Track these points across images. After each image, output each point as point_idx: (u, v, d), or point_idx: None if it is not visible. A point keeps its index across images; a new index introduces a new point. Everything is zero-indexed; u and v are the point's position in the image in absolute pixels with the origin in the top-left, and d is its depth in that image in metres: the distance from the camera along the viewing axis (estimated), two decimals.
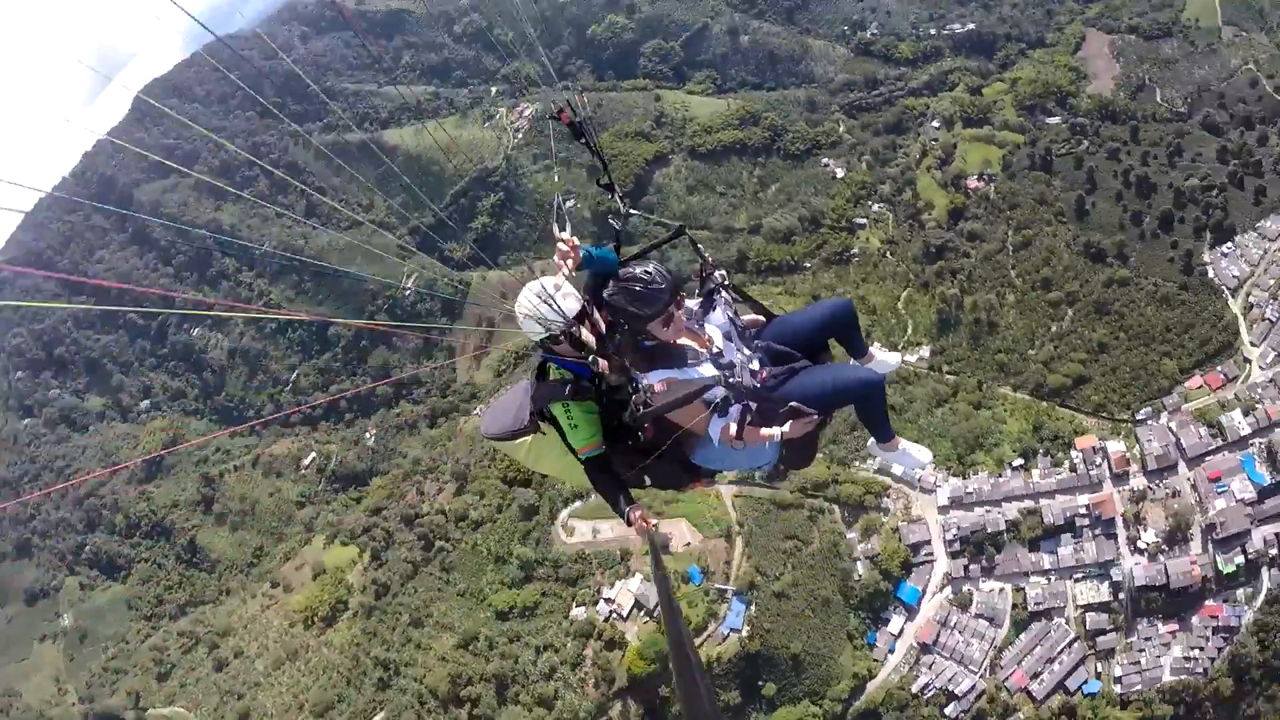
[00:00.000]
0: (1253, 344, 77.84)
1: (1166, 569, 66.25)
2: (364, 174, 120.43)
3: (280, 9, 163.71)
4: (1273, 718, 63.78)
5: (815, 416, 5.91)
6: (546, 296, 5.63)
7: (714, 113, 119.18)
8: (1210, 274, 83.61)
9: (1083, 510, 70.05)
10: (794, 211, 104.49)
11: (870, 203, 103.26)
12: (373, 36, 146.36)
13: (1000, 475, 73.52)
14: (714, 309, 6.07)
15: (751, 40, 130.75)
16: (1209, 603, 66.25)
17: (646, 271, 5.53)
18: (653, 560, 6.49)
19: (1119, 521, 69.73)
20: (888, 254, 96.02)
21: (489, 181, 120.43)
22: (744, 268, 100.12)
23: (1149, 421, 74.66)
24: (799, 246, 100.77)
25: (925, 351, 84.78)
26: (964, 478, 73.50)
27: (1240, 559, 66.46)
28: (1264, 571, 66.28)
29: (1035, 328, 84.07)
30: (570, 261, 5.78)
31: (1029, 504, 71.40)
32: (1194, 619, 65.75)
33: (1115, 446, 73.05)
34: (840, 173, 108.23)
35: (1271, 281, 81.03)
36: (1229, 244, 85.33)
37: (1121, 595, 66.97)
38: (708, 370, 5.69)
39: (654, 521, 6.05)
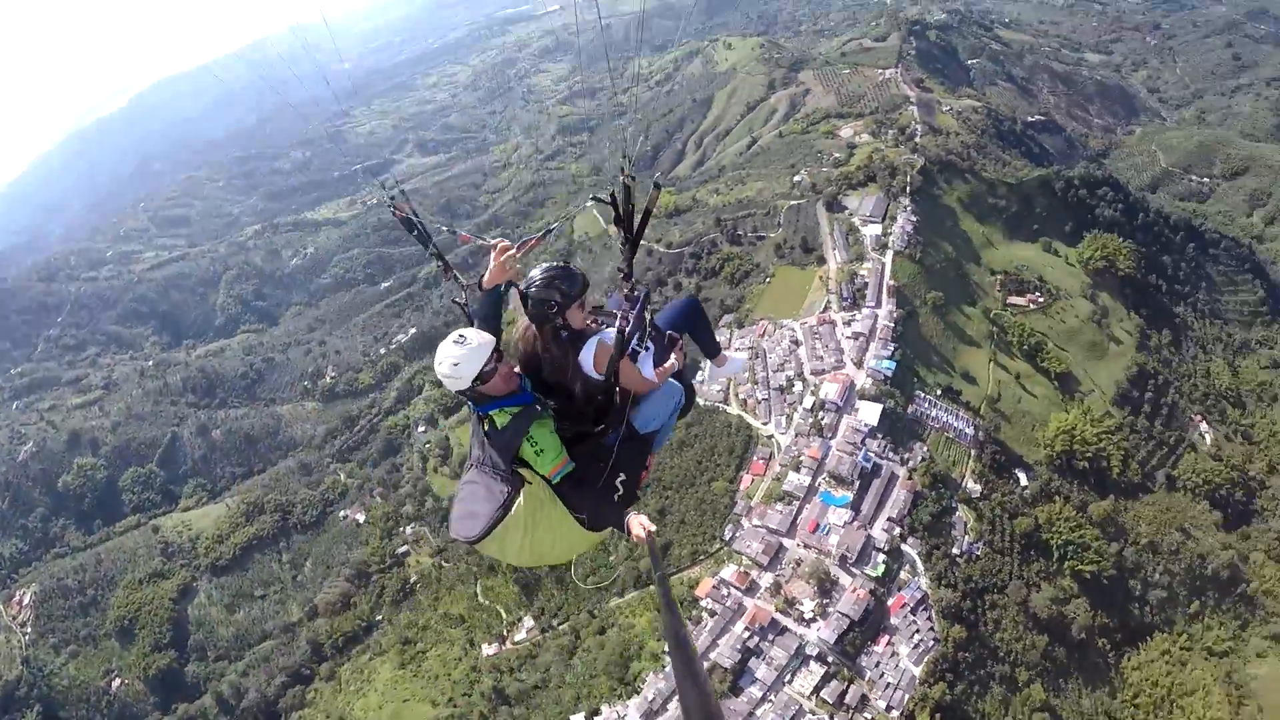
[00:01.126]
0: (764, 424, 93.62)
1: (841, 612, 74.07)
2: None
3: None
4: (1012, 607, 78.71)
5: (679, 338, 8.53)
6: (458, 338, 6.91)
7: (218, 519, 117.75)
8: (701, 401, 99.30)
9: (745, 633, 75.20)
10: (339, 575, 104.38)
11: (402, 528, 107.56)
12: None
13: (664, 665, 76.52)
14: None
15: (224, 433, 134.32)
16: (891, 601, 75.45)
17: (554, 263, 7.46)
18: (652, 560, 6.65)
19: (777, 616, 75.88)
20: (443, 564, 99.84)
21: (17, 697, 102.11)
22: (320, 655, 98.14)
23: (737, 534, 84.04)
24: (364, 606, 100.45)
25: (529, 621, 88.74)
26: (639, 692, 75.60)
27: (881, 557, 78.08)
28: (903, 547, 79.25)
29: (599, 539, 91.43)
30: (515, 250, 7.62)
31: (705, 665, 74.71)
32: (892, 620, 74.74)
33: (729, 571, 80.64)
34: (361, 517, 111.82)
35: (745, 375, 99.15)
36: (700, 371, 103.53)
37: (829, 658, 72.42)
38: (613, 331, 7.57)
39: (653, 528, 6.59)
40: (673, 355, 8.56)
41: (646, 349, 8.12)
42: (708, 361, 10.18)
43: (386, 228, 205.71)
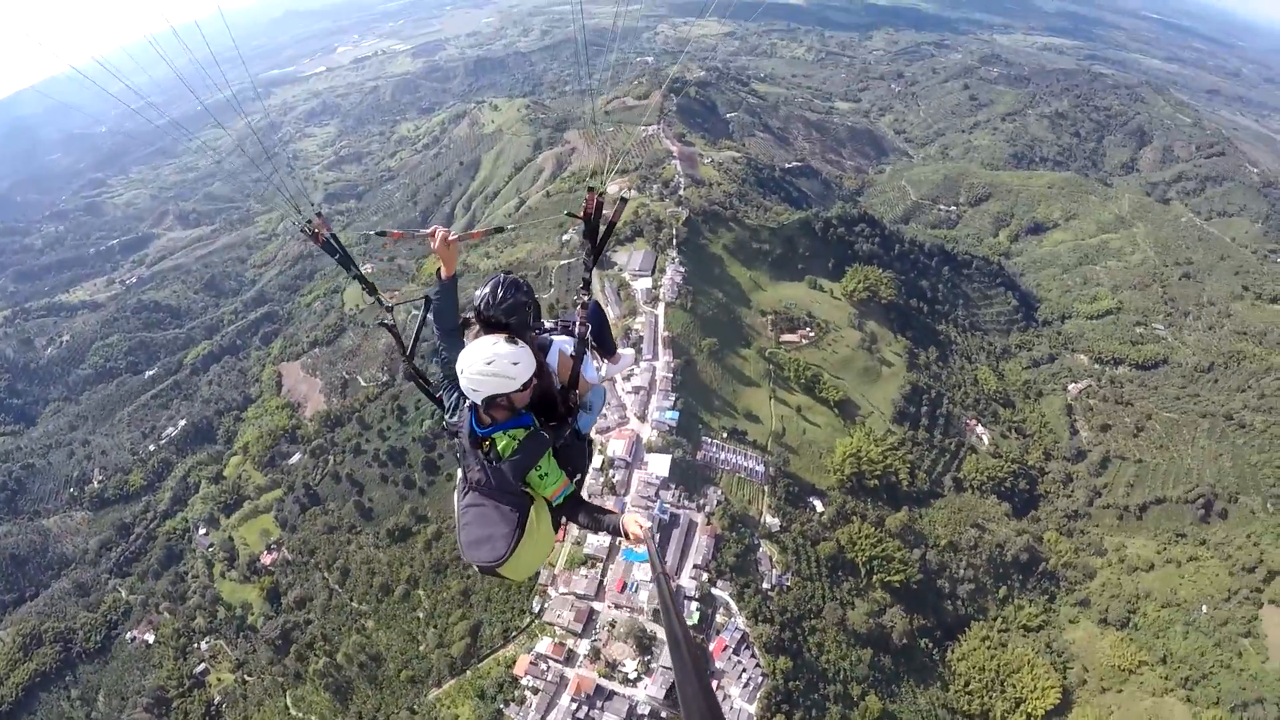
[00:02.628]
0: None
1: (665, 666, 76.59)
2: None
3: None
4: (831, 629, 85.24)
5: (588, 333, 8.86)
6: (510, 339, 7.31)
7: None
8: None
9: (572, 704, 76.53)
10: (136, 706, 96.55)
11: (196, 644, 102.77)
12: None
13: None
14: None
15: None
16: (712, 645, 79.24)
17: (496, 275, 7.95)
18: (650, 559, 6.56)
19: (601, 683, 77.85)
20: (246, 678, 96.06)
21: None
22: None
23: (546, 604, 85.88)
24: None
25: None
26: None
27: (694, 605, 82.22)
28: (714, 591, 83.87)
29: (405, 629, 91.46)
30: (451, 236, 7.89)
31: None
32: (717, 664, 78.20)
33: (544, 644, 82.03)
34: (150, 637, 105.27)
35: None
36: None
37: (663, 714, 74.73)
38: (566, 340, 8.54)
39: (649, 524, 6.81)
40: (597, 354, 9.67)
41: (585, 353, 8.88)
42: (603, 361, 10.71)
43: (147, 310, 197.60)
